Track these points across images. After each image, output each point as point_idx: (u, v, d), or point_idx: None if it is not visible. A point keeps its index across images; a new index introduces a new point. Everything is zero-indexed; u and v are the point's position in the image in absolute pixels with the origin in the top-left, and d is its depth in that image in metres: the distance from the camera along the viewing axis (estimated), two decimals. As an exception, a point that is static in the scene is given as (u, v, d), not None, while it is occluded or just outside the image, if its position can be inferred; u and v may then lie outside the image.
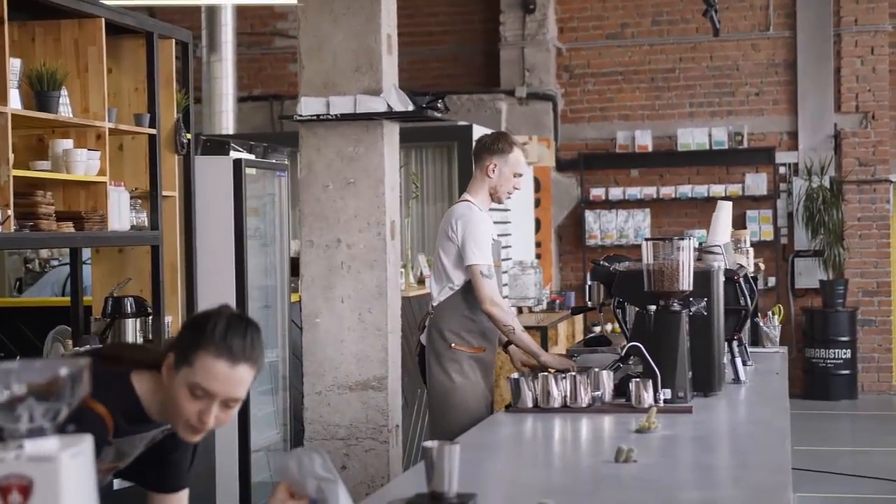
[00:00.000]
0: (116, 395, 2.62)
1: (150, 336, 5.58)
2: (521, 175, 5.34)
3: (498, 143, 5.30)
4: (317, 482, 2.55)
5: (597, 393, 4.28)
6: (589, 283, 5.18)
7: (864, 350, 12.47)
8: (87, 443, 1.79)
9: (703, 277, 4.55)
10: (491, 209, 8.89)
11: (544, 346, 8.99)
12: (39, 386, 1.76)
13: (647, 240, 4.48)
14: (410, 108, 5.79)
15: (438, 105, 6.09)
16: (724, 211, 5.60)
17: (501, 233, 10.10)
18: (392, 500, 2.79)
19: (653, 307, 4.41)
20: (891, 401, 12.32)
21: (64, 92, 4.93)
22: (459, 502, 2.75)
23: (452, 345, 5.20)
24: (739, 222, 12.35)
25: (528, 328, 9.06)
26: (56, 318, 5.89)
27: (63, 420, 2.11)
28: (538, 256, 12.23)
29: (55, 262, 8.63)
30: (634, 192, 12.80)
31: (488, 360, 5.30)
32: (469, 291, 5.19)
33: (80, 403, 2.42)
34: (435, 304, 5.29)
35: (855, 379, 12.29)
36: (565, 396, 4.25)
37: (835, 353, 12.17)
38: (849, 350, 12.19)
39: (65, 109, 4.93)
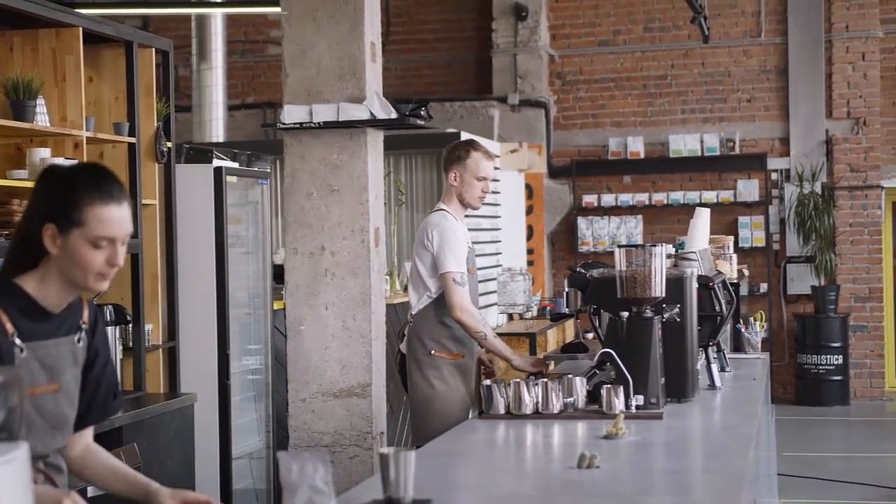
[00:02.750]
0: (5, 295, 2.67)
1: (131, 344, 5.59)
2: (484, 179, 5.40)
3: (455, 152, 5.43)
4: (310, 493, 2.57)
5: (569, 399, 4.29)
6: (566, 289, 5.20)
7: (856, 356, 12.47)
8: (21, 450, 1.80)
9: (676, 284, 4.56)
10: (477, 216, 8.91)
11: (532, 352, 9.00)
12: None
13: (619, 246, 4.50)
14: (393, 115, 5.82)
15: (421, 113, 6.11)
16: (702, 218, 5.62)
17: (491, 239, 10.16)
18: (351, 507, 2.81)
19: (625, 313, 4.42)
20: (883, 406, 12.32)
21: (41, 101, 4.95)
22: (414, 509, 2.77)
23: (432, 352, 5.29)
24: (731, 228, 12.37)
25: (517, 335, 9.15)
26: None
27: None
28: (531, 263, 12.26)
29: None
30: (627, 198, 12.82)
31: (467, 365, 5.36)
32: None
33: None
34: (414, 311, 5.39)
35: (847, 385, 12.30)
36: (537, 403, 4.27)
37: (827, 358, 12.17)
38: (841, 356, 12.20)
39: (42, 118, 4.95)
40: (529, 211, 12.40)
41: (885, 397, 12.55)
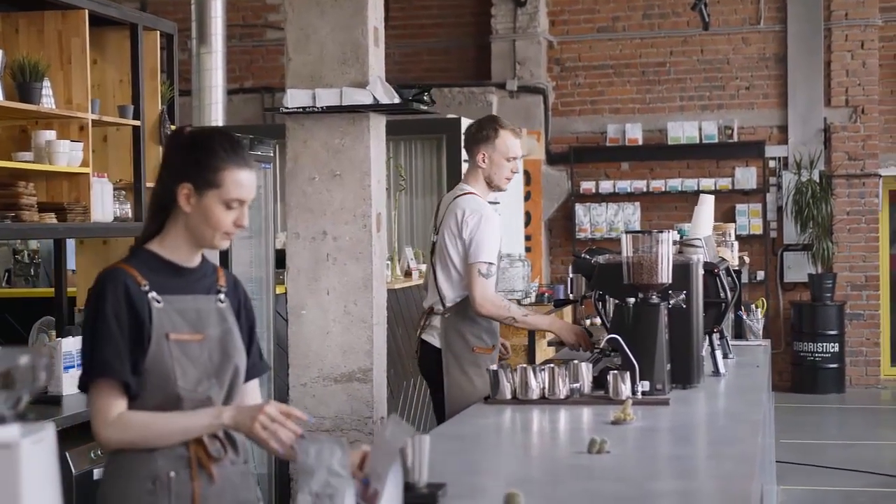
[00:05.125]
0: (134, 257, 2.87)
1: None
2: (514, 158, 5.18)
3: (483, 131, 5.18)
4: (327, 476, 2.59)
5: (575, 385, 4.30)
6: (571, 275, 5.18)
7: (851, 344, 12.50)
8: (48, 431, 1.81)
9: (683, 270, 4.56)
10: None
11: (531, 338, 8.99)
12: None
13: (626, 232, 4.50)
14: (396, 100, 5.80)
15: (424, 98, 6.10)
16: (706, 205, 5.62)
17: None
18: (364, 489, 2.81)
19: (631, 300, 4.42)
20: (878, 394, 12.36)
21: (47, 83, 4.94)
22: (429, 492, 2.78)
23: (474, 348, 5.09)
24: (729, 216, 12.38)
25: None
26: (42, 309, 5.90)
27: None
28: (528, 249, 12.26)
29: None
30: (624, 185, 12.83)
31: (496, 356, 5.26)
32: None
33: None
34: (448, 304, 5.13)
35: (843, 372, 12.33)
36: (543, 388, 4.27)
37: (823, 346, 12.20)
38: (837, 344, 12.23)
39: (47, 101, 4.94)
40: (527, 197, 12.40)
41: (881, 385, 12.59)
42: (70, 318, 5.48)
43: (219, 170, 2.81)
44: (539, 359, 8.80)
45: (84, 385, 2.81)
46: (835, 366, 12.25)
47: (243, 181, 2.83)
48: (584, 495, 2.88)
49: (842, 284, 12.48)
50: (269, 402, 2.78)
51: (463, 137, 5.36)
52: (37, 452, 1.77)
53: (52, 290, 6.20)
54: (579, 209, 12.89)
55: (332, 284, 5.77)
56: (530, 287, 10.19)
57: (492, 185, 5.22)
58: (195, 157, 2.84)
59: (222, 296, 2.94)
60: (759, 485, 2.97)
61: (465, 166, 9.76)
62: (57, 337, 5.27)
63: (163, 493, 2.79)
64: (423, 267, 8.28)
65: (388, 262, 7.83)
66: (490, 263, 5.01)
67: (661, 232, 4.45)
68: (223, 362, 2.90)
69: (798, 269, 12.56)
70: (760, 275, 12.52)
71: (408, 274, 8.06)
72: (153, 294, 2.81)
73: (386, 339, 5.96)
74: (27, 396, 1.80)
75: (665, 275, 4.41)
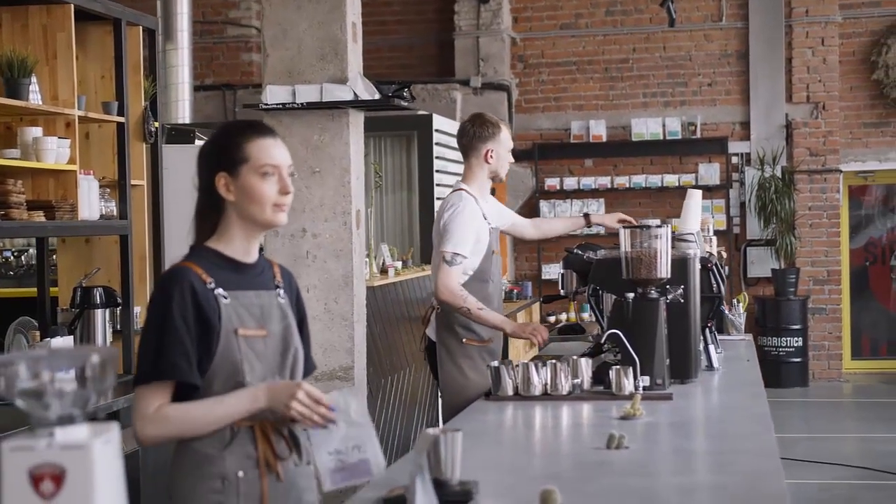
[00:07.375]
0: (195, 255, 2.86)
1: (119, 327, 5.51)
2: (511, 149, 5.36)
3: (487, 129, 5.24)
4: (347, 429, 2.57)
5: (576, 381, 4.29)
6: (562, 271, 5.16)
7: (814, 338, 12.62)
8: (113, 431, 1.77)
9: (680, 265, 4.57)
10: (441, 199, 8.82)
11: (504, 338, 8.96)
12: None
13: (625, 227, 4.49)
14: (377, 96, 5.78)
15: (404, 94, 6.08)
16: (695, 199, 5.64)
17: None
18: (393, 487, 2.78)
19: (631, 295, 4.42)
20: (841, 388, 12.47)
21: (34, 79, 4.86)
22: (462, 489, 2.76)
23: (464, 340, 5.13)
24: (693, 212, 12.43)
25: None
26: (20, 309, 5.81)
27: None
28: (493, 246, 12.25)
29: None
30: (589, 181, 12.86)
31: (496, 349, 5.25)
32: (474, 283, 5.11)
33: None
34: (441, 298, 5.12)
35: (806, 367, 12.44)
36: (545, 384, 4.26)
37: (786, 340, 12.30)
38: (800, 338, 12.33)
39: (34, 97, 4.86)
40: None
41: (843, 378, 12.71)
42: (53, 319, 5.39)
43: (241, 144, 2.82)
44: (511, 356, 8.79)
45: (140, 383, 2.79)
46: (798, 360, 12.35)
47: (268, 147, 2.84)
48: (617, 491, 2.86)
49: (804, 279, 12.58)
50: (300, 384, 2.75)
51: (460, 137, 5.33)
52: (106, 452, 1.74)
53: (30, 289, 6.11)
54: (544, 206, 12.90)
55: (312, 282, 5.74)
56: (502, 283, 10.18)
57: (495, 179, 5.33)
58: (218, 147, 2.87)
59: (282, 291, 2.93)
60: (784, 479, 2.96)
61: (437, 163, 9.78)
62: (41, 338, 5.18)
63: (231, 493, 2.77)
64: (399, 264, 8.25)
65: (366, 260, 7.78)
66: (456, 253, 5.03)
67: (660, 226, 4.45)
68: (284, 358, 2.88)
69: (761, 264, 12.65)
70: (724, 270, 12.58)
71: (384, 271, 8.02)
72: (219, 290, 2.79)
73: (366, 337, 5.93)
74: (96, 396, 1.76)
75: (664, 269, 4.42)
